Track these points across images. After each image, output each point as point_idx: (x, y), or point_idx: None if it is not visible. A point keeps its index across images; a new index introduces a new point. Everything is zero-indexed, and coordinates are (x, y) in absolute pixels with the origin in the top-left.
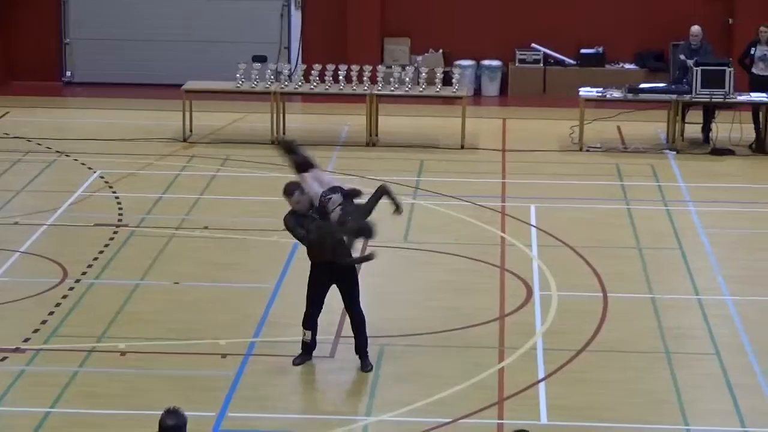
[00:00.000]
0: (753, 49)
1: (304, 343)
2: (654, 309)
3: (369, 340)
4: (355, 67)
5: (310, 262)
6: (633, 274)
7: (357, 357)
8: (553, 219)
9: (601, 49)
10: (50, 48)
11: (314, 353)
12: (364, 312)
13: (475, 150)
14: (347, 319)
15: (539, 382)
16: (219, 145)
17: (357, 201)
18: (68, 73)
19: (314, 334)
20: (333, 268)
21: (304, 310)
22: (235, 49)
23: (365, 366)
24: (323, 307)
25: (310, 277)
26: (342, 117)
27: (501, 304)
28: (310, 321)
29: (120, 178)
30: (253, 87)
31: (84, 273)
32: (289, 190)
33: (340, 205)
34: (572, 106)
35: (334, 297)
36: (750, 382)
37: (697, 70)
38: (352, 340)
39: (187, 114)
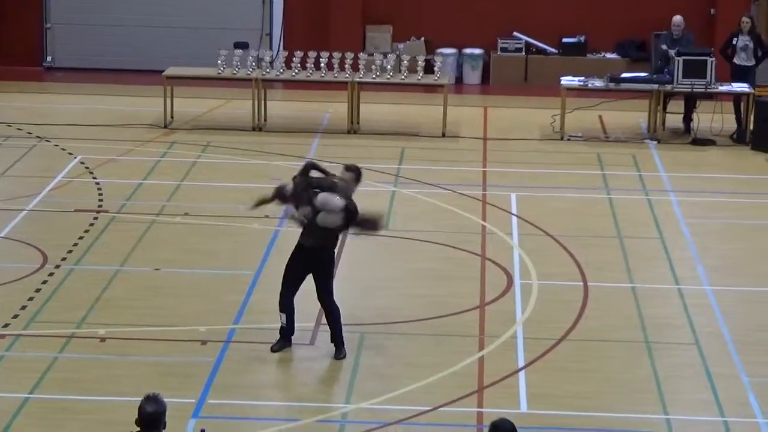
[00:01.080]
0: (735, 39)
1: (281, 327)
2: (634, 298)
3: (349, 328)
4: (336, 55)
5: (293, 246)
6: (613, 263)
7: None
8: (534, 208)
9: (582, 39)
10: (31, 33)
11: (294, 340)
12: (340, 302)
13: (457, 138)
14: None
15: (519, 370)
16: (200, 132)
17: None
18: (49, 58)
19: (290, 318)
20: (312, 255)
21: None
22: (217, 35)
23: (338, 353)
24: (299, 291)
25: (288, 259)
26: (323, 104)
27: (481, 293)
28: (284, 303)
29: (101, 163)
30: (234, 73)
31: (64, 259)
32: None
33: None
34: (554, 95)
35: (314, 285)
36: (729, 371)
37: (678, 60)
38: None
39: (168, 100)
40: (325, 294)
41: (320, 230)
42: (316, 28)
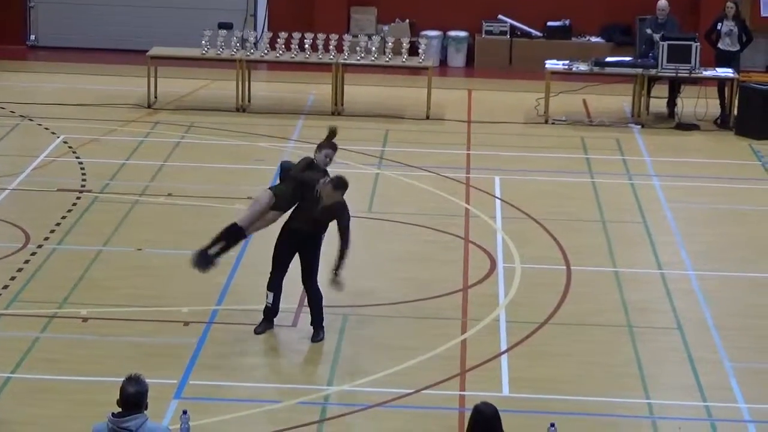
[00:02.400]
0: (719, 24)
1: (266, 308)
2: (617, 282)
3: (331, 310)
4: (321, 36)
5: (280, 228)
6: (597, 247)
7: None
8: (518, 191)
9: (567, 22)
10: (14, 11)
11: (277, 322)
12: (323, 284)
13: (441, 121)
14: None
15: (501, 354)
16: (184, 112)
17: None
18: (32, 37)
19: (276, 298)
20: (299, 236)
21: (267, 279)
22: (201, 15)
23: (316, 336)
24: (287, 273)
25: (277, 241)
26: (307, 86)
27: (464, 276)
28: (273, 283)
29: (84, 143)
30: (218, 54)
31: (46, 238)
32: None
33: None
34: (538, 79)
35: (299, 267)
36: (711, 356)
37: (663, 45)
38: None
39: (152, 80)
40: (309, 277)
41: (315, 219)
42: (300, 9)
